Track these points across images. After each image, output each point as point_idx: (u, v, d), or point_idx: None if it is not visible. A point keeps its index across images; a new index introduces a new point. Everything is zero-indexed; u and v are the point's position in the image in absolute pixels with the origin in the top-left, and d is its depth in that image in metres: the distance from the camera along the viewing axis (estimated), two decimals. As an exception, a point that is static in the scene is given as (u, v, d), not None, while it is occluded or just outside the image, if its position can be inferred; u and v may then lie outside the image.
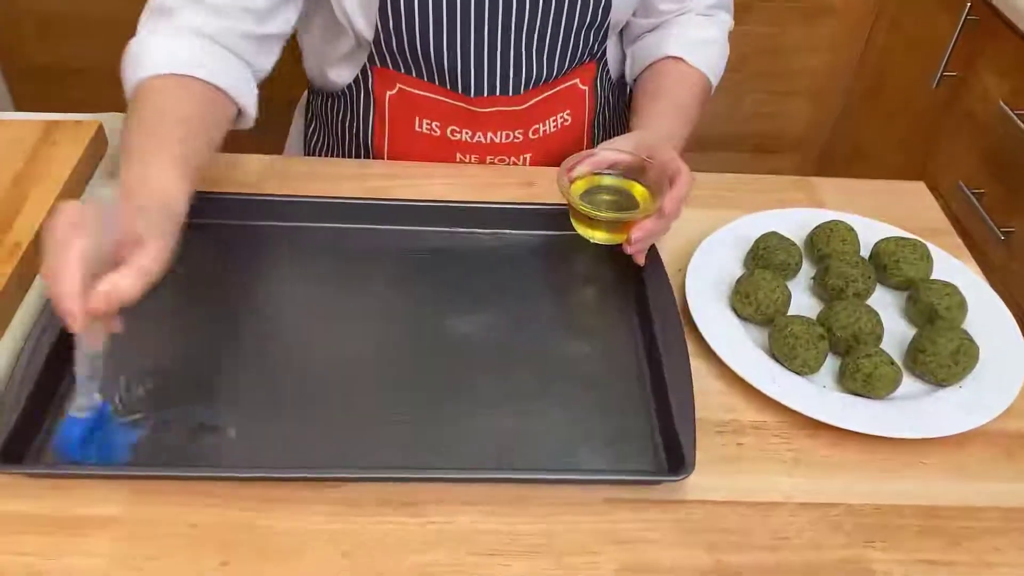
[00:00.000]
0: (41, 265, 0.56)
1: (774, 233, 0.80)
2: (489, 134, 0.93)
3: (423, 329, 0.74)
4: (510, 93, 0.90)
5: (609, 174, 0.79)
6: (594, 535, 0.61)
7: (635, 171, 0.78)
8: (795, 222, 0.85)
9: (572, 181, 0.77)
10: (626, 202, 0.78)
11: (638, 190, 0.78)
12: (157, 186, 0.64)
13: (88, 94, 1.70)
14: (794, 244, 0.80)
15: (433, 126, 0.93)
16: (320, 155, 1.05)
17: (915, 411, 0.69)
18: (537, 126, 0.95)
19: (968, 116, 1.53)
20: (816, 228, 0.83)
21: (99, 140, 0.88)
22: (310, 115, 1.07)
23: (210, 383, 0.69)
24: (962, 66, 1.52)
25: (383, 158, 0.98)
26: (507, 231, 0.85)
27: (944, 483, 0.66)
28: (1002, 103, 1.39)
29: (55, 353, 0.66)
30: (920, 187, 0.97)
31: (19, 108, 1.83)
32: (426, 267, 0.80)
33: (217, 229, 0.81)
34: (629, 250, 0.75)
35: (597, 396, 0.69)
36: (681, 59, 0.93)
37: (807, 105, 1.94)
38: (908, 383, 0.71)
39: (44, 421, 0.64)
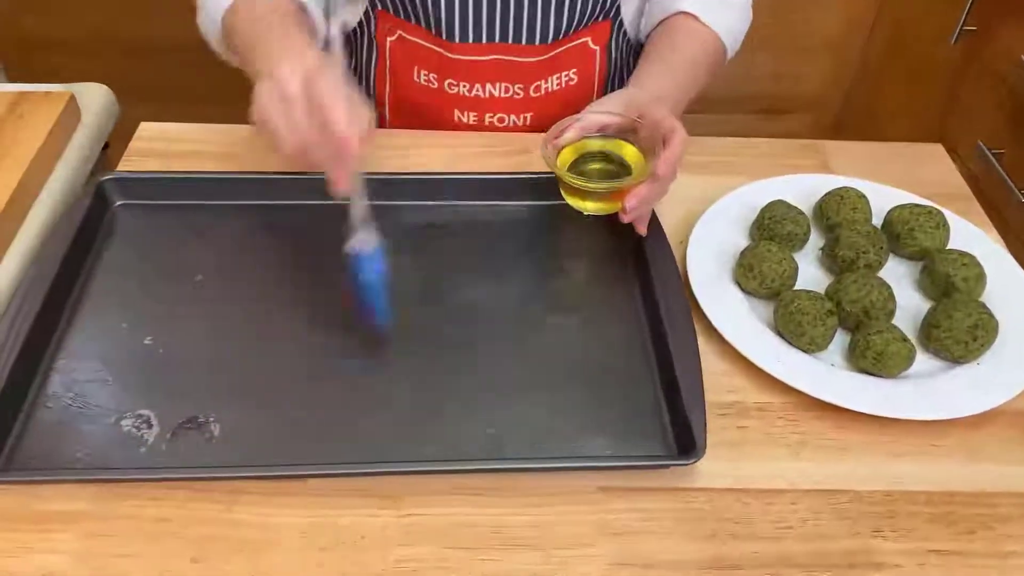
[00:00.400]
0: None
1: (781, 202, 0.76)
2: (488, 86, 0.89)
3: (410, 310, 0.70)
4: (510, 40, 0.86)
5: (598, 137, 0.74)
6: (587, 526, 0.57)
7: (626, 132, 0.73)
8: (803, 189, 0.81)
9: (559, 150, 0.73)
10: (617, 168, 0.73)
11: (629, 152, 0.73)
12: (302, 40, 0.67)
13: (66, 62, 1.66)
14: (802, 213, 0.75)
15: (431, 78, 0.90)
16: None
17: (929, 390, 0.65)
18: (539, 83, 0.90)
19: (988, 73, 1.47)
20: (825, 196, 0.78)
21: (71, 112, 0.84)
22: None
23: (189, 375, 0.65)
24: (982, 20, 1.46)
25: (385, 106, 0.95)
26: (500, 203, 0.80)
27: (958, 467, 0.62)
28: (1024, 59, 1.33)
29: (23, 355, 0.63)
30: (938, 149, 0.92)
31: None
32: (416, 244, 0.76)
33: (193, 210, 0.78)
34: (626, 219, 0.71)
35: (597, 376, 0.66)
36: (695, 16, 0.87)
37: (820, 64, 1.87)
38: (922, 360, 0.67)
39: (12, 424, 0.61)
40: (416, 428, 0.62)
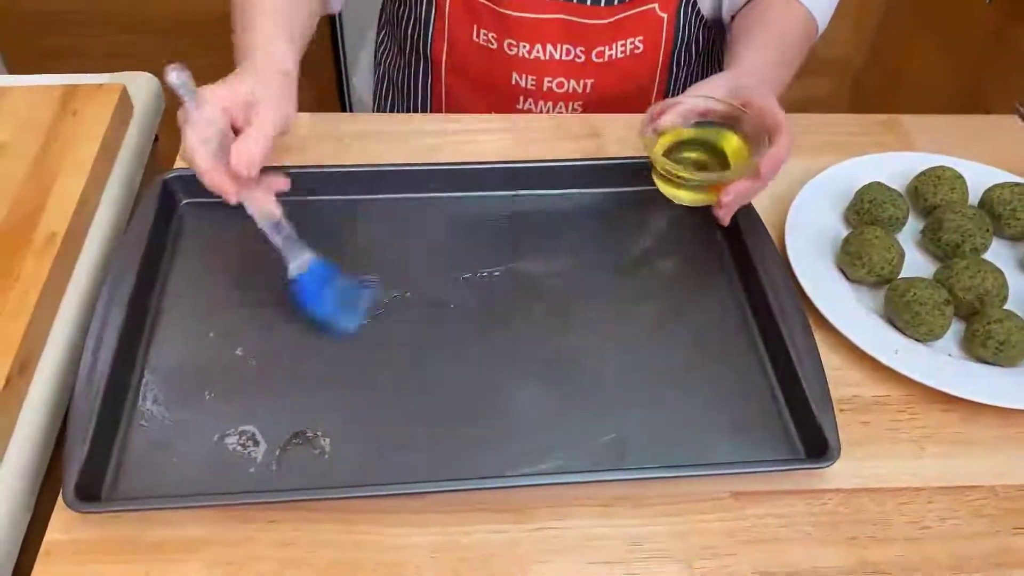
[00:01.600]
0: None
1: (878, 184, 0.73)
2: (548, 47, 0.85)
3: (506, 316, 0.67)
4: (574, 0, 0.82)
5: (697, 124, 0.71)
6: (724, 534, 0.56)
7: (728, 120, 0.70)
8: (891, 168, 0.78)
9: (658, 135, 0.70)
10: (715, 158, 0.71)
11: (730, 143, 0.70)
12: (266, 51, 0.67)
13: (72, 41, 1.59)
14: (900, 195, 0.73)
15: (490, 37, 0.86)
16: (386, 69, 1.01)
17: (1052, 379, 0.63)
18: (602, 48, 0.86)
19: (1026, 35, 1.44)
20: (920, 176, 0.76)
21: (124, 106, 0.80)
22: (382, 20, 1.02)
23: (287, 387, 0.62)
24: (1020, -21, 1.43)
25: (441, 69, 0.92)
26: (578, 191, 0.77)
27: (1090, 458, 0.61)
28: (1069, 19, 1.30)
29: (112, 373, 0.59)
30: (1014, 121, 0.90)
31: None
32: (499, 241, 0.73)
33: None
34: (718, 213, 0.68)
35: (707, 376, 0.63)
36: None
37: (844, 24, 1.83)
38: (1038, 347, 0.65)
39: (112, 447, 0.58)
40: (533, 438, 0.59)
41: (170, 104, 0.89)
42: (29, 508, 0.56)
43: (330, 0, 0.87)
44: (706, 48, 0.94)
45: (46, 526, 0.55)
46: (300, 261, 0.64)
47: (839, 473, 0.59)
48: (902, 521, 0.57)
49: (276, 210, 0.64)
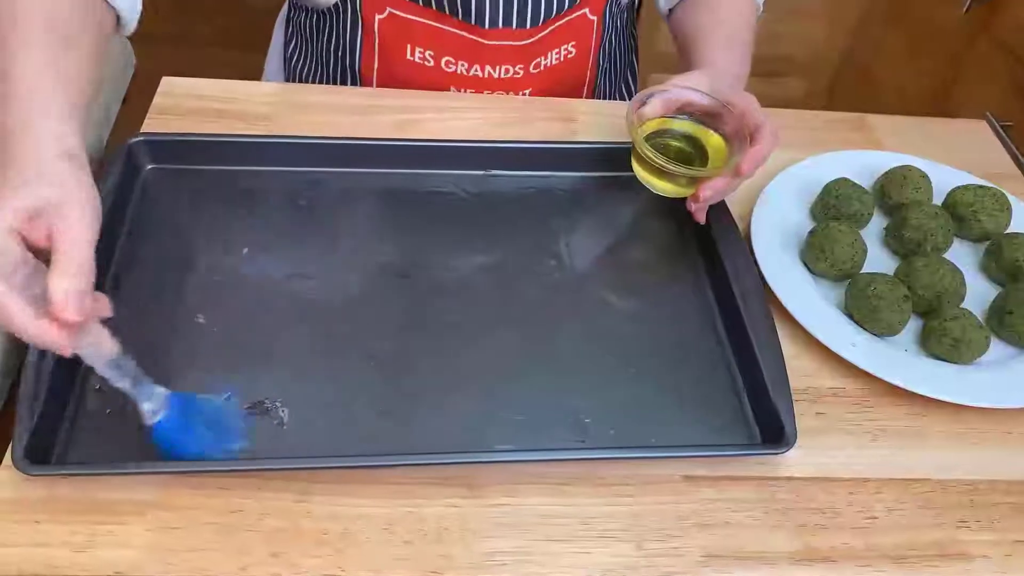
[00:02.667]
0: None
1: (845, 180, 0.74)
2: (487, 68, 0.84)
3: (471, 294, 0.67)
4: (515, 26, 0.81)
5: (680, 117, 0.71)
6: (676, 518, 0.56)
7: (711, 117, 0.70)
8: (859, 166, 0.79)
9: (643, 121, 0.70)
10: (695, 151, 0.71)
11: (711, 139, 0.70)
12: (36, 130, 0.50)
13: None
14: (867, 192, 0.74)
15: (427, 55, 0.84)
16: (303, 78, 0.95)
17: (1004, 377, 0.64)
18: (539, 60, 0.86)
19: (998, 43, 1.46)
20: (887, 174, 0.77)
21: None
22: (290, 30, 0.97)
23: (247, 356, 0.61)
24: (994, -11, 1.45)
25: (372, 83, 0.89)
26: (547, 173, 0.77)
27: (1036, 456, 0.62)
28: (1040, 32, 1.32)
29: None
30: (982, 126, 0.91)
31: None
32: (466, 218, 0.73)
33: (231, 175, 0.73)
34: (694, 207, 0.68)
35: (670, 362, 0.64)
36: None
37: (819, 27, 1.85)
38: (991, 347, 0.67)
39: (64, 410, 0.57)
40: (493, 416, 0.59)
41: (139, 67, 0.88)
42: (-26, 465, 0.55)
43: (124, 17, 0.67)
44: (622, 30, 0.95)
45: (-11, 483, 0.54)
46: (154, 400, 0.53)
47: (791, 461, 0.60)
48: (850, 510, 0.58)
49: (113, 346, 0.51)
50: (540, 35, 0.83)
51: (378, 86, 0.88)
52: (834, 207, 0.73)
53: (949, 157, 0.82)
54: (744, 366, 0.63)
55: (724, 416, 0.61)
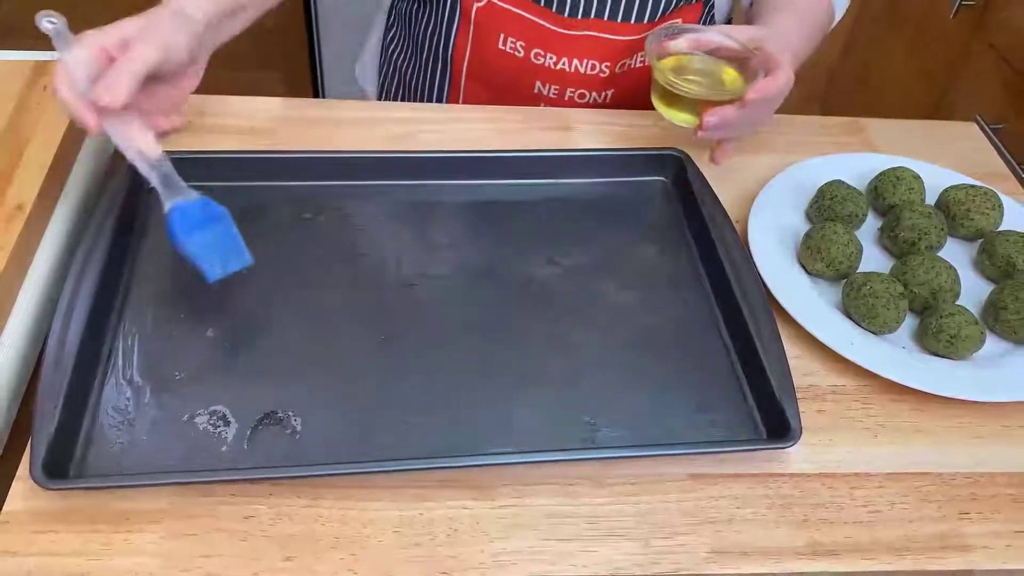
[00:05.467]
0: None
1: (840, 182, 0.75)
2: (575, 61, 0.86)
3: (477, 301, 0.68)
4: (606, 17, 0.84)
5: (705, 56, 0.73)
6: (682, 514, 0.57)
7: (735, 60, 0.72)
8: (853, 168, 0.81)
9: (664, 53, 0.72)
10: (715, 86, 0.73)
11: (729, 75, 0.73)
12: None
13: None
14: (860, 193, 0.75)
15: (517, 46, 0.87)
16: (396, 64, 1.00)
17: (999, 372, 0.65)
18: (625, 61, 0.88)
19: (987, 47, 1.48)
20: (880, 175, 0.78)
21: (95, 83, 0.79)
22: (392, 15, 1.00)
23: (259, 368, 0.62)
24: (982, -6, 1.47)
25: (461, 74, 0.92)
26: (547, 181, 0.78)
27: (1034, 448, 0.63)
28: (1028, 34, 1.35)
29: (82, 350, 0.59)
30: (972, 128, 0.93)
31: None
32: (473, 226, 0.74)
33: (235, 191, 0.75)
34: (700, 134, 0.71)
35: (677, 365, 0.65)
36: None
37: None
38: (987, 342, 0.68)
39: (80, 423, 0.58)
40: (502, 420, 0.60)
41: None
42: (-10, 477, 0.56)
43: None
44: None
45: (2, 493, 0.55)
46: (179, 198, 0.63)
47: (795, 458, 0.61)
48: (853, 505, 0.59)
49: (153, 148, 0.63)
50: (628, 37, 0.85)
51: (468, 74, 0.91)
52: (829, 208, 0.74)
53: (940, 158, 0.83)
54: (747, 365, 0.64)
55: (729, 414, 0.62)
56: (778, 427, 0.59)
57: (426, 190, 0.76)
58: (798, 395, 0.63)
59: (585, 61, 0.86)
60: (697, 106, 0.70)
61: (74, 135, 0.74)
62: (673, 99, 0.71)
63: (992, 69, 1.47)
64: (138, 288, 0.67)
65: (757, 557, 0.56)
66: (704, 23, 0.89)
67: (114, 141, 0.63)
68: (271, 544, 0.54)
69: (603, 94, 0.89)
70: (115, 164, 0.79)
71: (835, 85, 1.96)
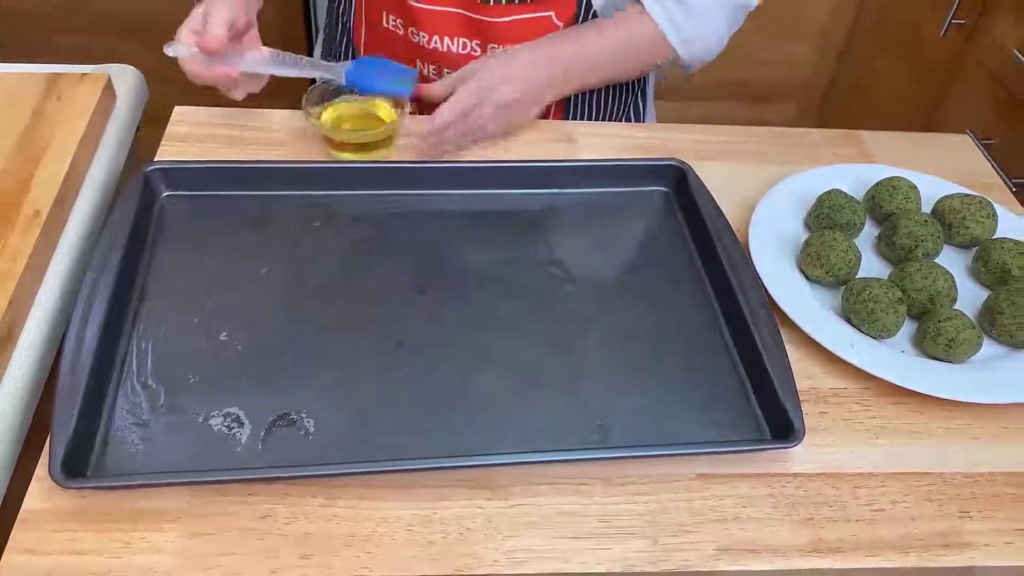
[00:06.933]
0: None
1: (839, 191, 0.77)
2: (446, 39, 0.89)
3: (486, 307, 0.69)
4: None
5: (353, 98, 0.82)
6: (691, 513, 0.58)
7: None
8: (851, 178, 0.83)
9: (317, 115, 0.81)
10: (371, 123, 0.83)
11: (382, 108, 0.83)
12: None
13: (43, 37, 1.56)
14: (858, 202, 0.77)
15: (397, 23, 0.90)
16: (326, 49, 1.06)
17: (996, 375, 0.67)
18: (495, 46, 0.89)
19: (978, 65, 1.51)
20: (877, 185, 0.80)
21: (108, 95, 0.81)
22: (328, 7, 1.06)
23: (272, 370, 0.63)
24: (972, 13, 1.50)
25: (360, 51, 0.97)
26: (556, 190, 0.80)
27: (1032, 449, 0.65)
28: (1016, 52, 1.37)
29: (98, 355, 0.60)
30: (965, 140, 0.95)
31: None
32: (476, 232, 0.76)
33: (245, 200, 0.76)
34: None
35: (683, 369, 0.66)
36: (641, 6, 0.85)
37: (808, 52, 1.91)
38: (983, 346, 0.69)
39: (97, 425, 0.59)
40: (513, 422, 0.61)
41: (152, 98, 0.91)
42: (8, 477, 0.57)
43: None
44: None
45: (21, 493, 0.55)
46: (333, 72, 0.79)
47: (798, 459, 0.62)
48: (856, 504, 0.60)
49: (267, 52, 0.78)
50: (496, 19, 0.87)
51: (365, 54, 0.96)
52: (828, 217, 0.76)
53: (935, 168, 0.85)
54: (750, 367, 0.65)
55: (733, 416, 0.63)
56: (781, 428, 0.61)
57: (433, 199, 0.78)
58: (800, 397, 0.65)
59: (456, 39, 0.89)
60: (370, 145, 0.80)
61: (88, 144, 0.76)
62: (343, 145, 0.80)
63: (982, 86, 1.49)
64: (152, 293, 0.68)
65: (763, 554, 0.57)
66: (580, 15, 0.89)
67: (244, 69, 0.77)
68: (287, 542, 0.55)
69: None
70: (129, 171, 0.81)
71: (830, 99, 2.00)
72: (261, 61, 0.78)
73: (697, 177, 0.79)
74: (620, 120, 1.01)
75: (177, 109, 0.86)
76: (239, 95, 0.78)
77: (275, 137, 0.84)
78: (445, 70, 0.90)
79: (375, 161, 0.80)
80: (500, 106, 0.81)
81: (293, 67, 0.78)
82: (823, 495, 0.60)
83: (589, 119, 0.98)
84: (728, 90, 1.92)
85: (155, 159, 0.79)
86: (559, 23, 0.89)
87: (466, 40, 0.89)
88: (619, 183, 0.80)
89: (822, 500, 0.60)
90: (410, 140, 0.84)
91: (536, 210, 0.78)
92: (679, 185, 0.80)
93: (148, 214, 0.74)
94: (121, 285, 0.66)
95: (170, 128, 0.84)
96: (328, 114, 0.82)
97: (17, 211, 0.67)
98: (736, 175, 0.83)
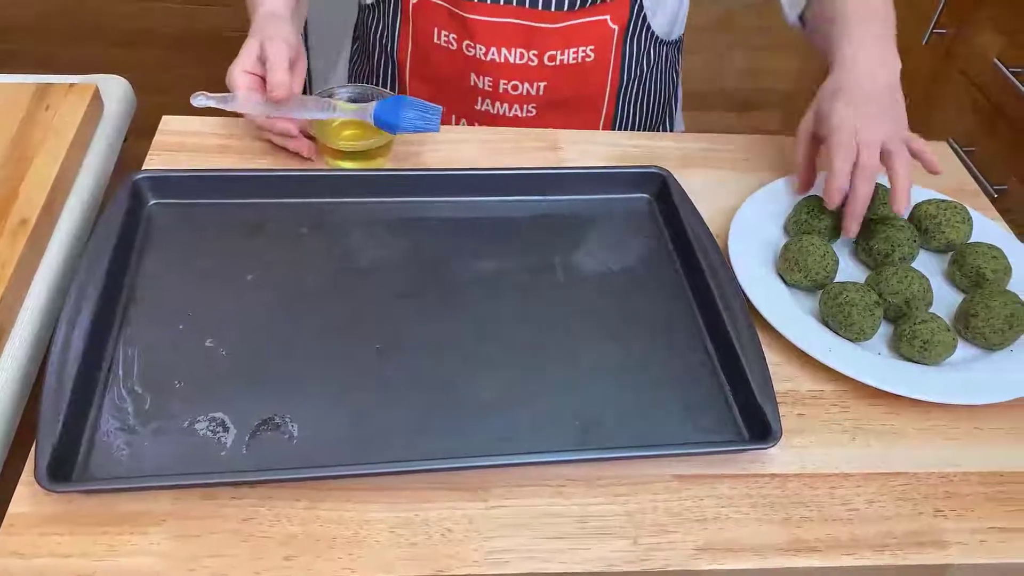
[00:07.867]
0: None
1: (816, 197, 0.79)
2: (503, 50, 0.90)
3: (470, 311, 0.70)
4: (526, 4, 0.88)
5: (343, 104, 0.81)
6: (670, 514, 0.59)
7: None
8: (829, 185, 0.84)
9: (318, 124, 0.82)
10: (366, 131, 0.82)
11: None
12: (259, 5, 0.82)
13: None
14: (836, 208, 0.78)
15: (450, 39, 0.91)
16: (356, 73, 1.06)
17: (970, 376, 0.68)
18: (554, 53, 0.91)
19: (959, 73, 1.53)
20: (855, 191, 0.81)
21: (96, 105, 0.82)
22: (356, 33, 1.07)
23: (256, 375, 0.64)
24: (953, 22, 1.52)
25: (405, 70, 0.96)
26: (543, 197, 0.81)
27: (1006, 448, 0.66)
28: (997, 61, 1.39)
29: (84, 360, 0.61)
30: (943, 147, 0.96)
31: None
32: (462, 239, 0.77)
33: (232, 208, 0.77)
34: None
35: (663, 372, 0.67)
36: None
37: (793, 61, 1.93)
38: (958, 348, 0.71)
39: (83, 429, 0.59)
40: (496, 423, 0.62)
41: (139, 107, 0.92)
42: (-5, 482, 0.58)
43: None
44: (658, 63, 1.00)
45: (7, 497, 0.56)
46: (365, 111, 0.79)
47: (776, 459, 0.63)
48: (833, 504, 0.61)
49: (307, 101, 0.79)
50: (552, 25, 0.89)
51: (411, 73, 0.96)
52: (806, 222, 0.77)
53: (913, 175, 0.86)
54: (729, 371, 0.66)
55: (713, 418, 0.64)
56: (759, 430, 0.62)
57: (419, 207, 0.79)
58: (778, 400, 0.66)
59: (513, 50, 0.90)
60: (370, 153, 0.81)
61: (76, 152, 0.77)
62: (343, 154, 0.81)
63: (963, 94, 1.52)
64: (139, 300, 0.68)
65: (743, 553, 0.58)
66: (635, 27, 0.92)
67: (289, 113, 0.78)
68: (272, 544, 0.55)
69: (535, 85, 0.92)
70: (116, 180, 0.82)
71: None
72: (301, 111, 0.78)
73: (678, 184, 0.80)
74: (657, 129, 1.03)
75: (165, 118, 0.87)
76: (292, 147, 0.80)
77: (262, 146, 0.84)
78: (501, 81, 0.92)
79: (361, 169, 0.81)
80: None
81: (331, 112, 0.79)
82: (801, 495, 0.61)
83: (633, 128, 1.02)
84: (714, 100, 1.94)
85: (143, 168, 0.79)
86: (614, 26, 0.91)
87: (523, 51, 0.90)
88: (602, 190, 0.81)
89: (800, 500, 0.61)
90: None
91: (520, 217, 0.79)
92: (661, 192, 0.81)
93: (135, 222, 0.74)
94: (108, 292, 0.66)
95: (158, 137, 0.85)
96: (327, 122, 0.83)
97: (4, 219, 0.67)
98: (718, 182, 0.85)
